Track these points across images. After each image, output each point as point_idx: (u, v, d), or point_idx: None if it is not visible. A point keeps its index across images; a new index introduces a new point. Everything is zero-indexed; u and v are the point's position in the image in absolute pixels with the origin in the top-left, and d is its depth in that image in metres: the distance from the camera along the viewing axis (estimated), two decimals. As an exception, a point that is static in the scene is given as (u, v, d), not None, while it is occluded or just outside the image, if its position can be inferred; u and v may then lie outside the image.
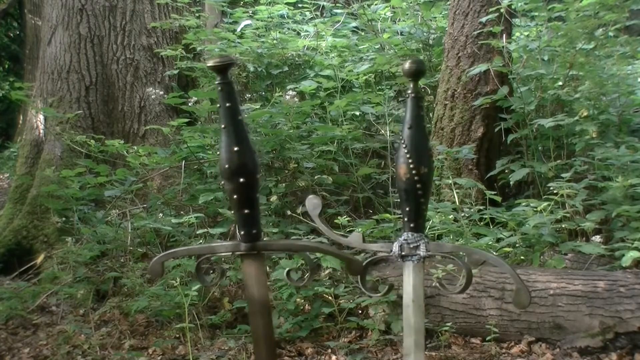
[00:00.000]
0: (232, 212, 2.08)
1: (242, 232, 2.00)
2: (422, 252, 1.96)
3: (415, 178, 1.93)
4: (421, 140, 1.96)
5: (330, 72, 5.48)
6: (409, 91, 1.97)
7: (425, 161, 1.95)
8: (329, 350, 3.24)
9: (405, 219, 1.99)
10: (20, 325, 3.84)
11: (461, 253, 1.99)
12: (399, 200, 2.04)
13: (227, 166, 1.96)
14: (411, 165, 1.93)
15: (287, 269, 2.26)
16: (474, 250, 2.03)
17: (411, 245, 1.97)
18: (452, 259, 2.03)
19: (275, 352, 2.33)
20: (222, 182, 2.02)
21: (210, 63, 1.94)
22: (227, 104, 1.96)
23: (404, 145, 1.95)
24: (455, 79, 4.69)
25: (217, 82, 1.96)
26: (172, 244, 4.17)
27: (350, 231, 3.72)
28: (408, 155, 1.93)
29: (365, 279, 2.12)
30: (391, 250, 1.99)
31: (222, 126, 1.96)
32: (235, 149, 1.95)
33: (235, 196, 1.97)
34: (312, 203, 2.15)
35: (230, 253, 2.08)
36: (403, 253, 1.98)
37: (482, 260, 2.01)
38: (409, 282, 1.98)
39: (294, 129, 4.69)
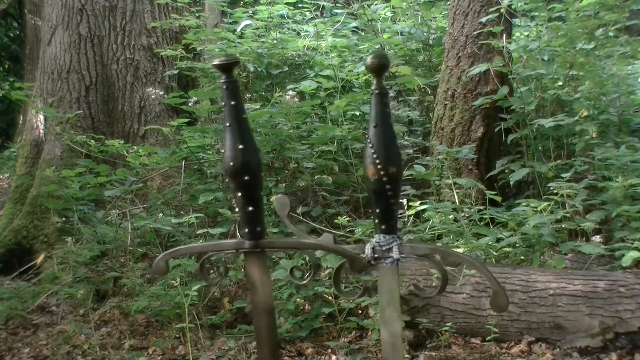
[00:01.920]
0: (236, 210, 2.07)
1: (246, 230, 2.00)
2: (395, 254, 1.88)
3: (384, 179, 1.84)
4: (388, 139, 1.86)
5: (330, 72, 5.47)
6: (373, 87, 1.87)
7: (393, 160, 1.86)
8: (329, 350, 3.24)
9: (377, 221, 1.91)
10: (20, 325, 3.85)
11: (436, 255, 1.90)
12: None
13: (231, 164, 1.96)
14: (379, 166, 1.84)
15: (288, 268, 2.24)
16: (450, 252, 1.94)
17: (383, 248, 1.88)
18: (428, 261, 1.95)
19: (278, 350, 2.33)
20: (226, 181, 2.01)
21: (215, 62, 1.94)
22: (232, 103, 1.96)
23: (370, 145, 1.85)
24: (455, 79, 4.69)
25: (222, 81, 1.96)
26: (172, 244, 4.17)
27: (350, 231, 3.73)
28: (375, 155, 1.84)
29: (339, 280, 2.03)
30: (364, 253, 1.91)
31: (227, 124, 1.97)
32: (240, 147, 1.95)
33: (239, 194, 1.97)
34: (281, 202, 2.09)
35: (234, 251, 2.08)
36: (376, 255, 1.89)
37: (457, 262, 1.95)
38: (383, 285, 1.90)
39: (294, 129, 4.69)
